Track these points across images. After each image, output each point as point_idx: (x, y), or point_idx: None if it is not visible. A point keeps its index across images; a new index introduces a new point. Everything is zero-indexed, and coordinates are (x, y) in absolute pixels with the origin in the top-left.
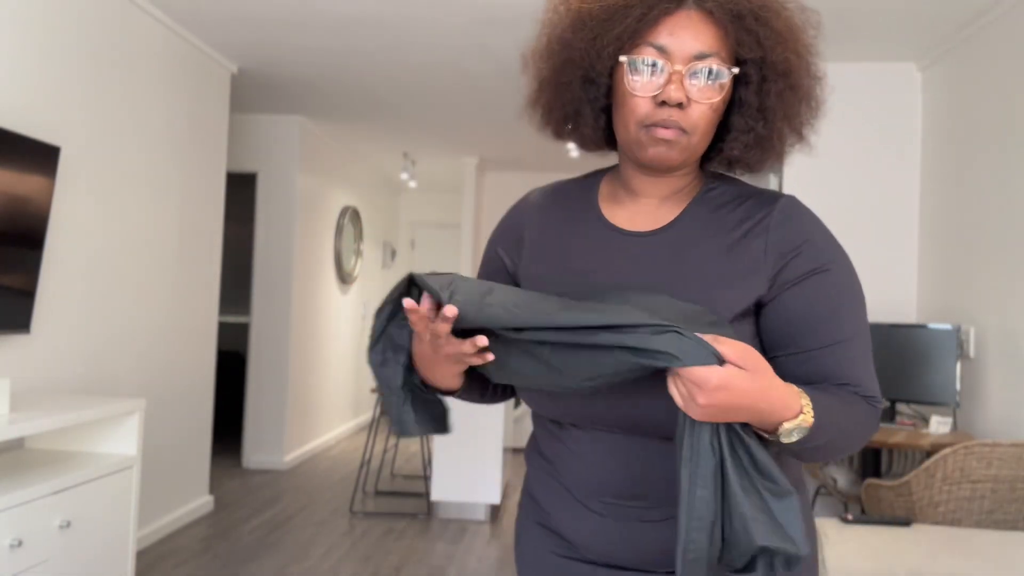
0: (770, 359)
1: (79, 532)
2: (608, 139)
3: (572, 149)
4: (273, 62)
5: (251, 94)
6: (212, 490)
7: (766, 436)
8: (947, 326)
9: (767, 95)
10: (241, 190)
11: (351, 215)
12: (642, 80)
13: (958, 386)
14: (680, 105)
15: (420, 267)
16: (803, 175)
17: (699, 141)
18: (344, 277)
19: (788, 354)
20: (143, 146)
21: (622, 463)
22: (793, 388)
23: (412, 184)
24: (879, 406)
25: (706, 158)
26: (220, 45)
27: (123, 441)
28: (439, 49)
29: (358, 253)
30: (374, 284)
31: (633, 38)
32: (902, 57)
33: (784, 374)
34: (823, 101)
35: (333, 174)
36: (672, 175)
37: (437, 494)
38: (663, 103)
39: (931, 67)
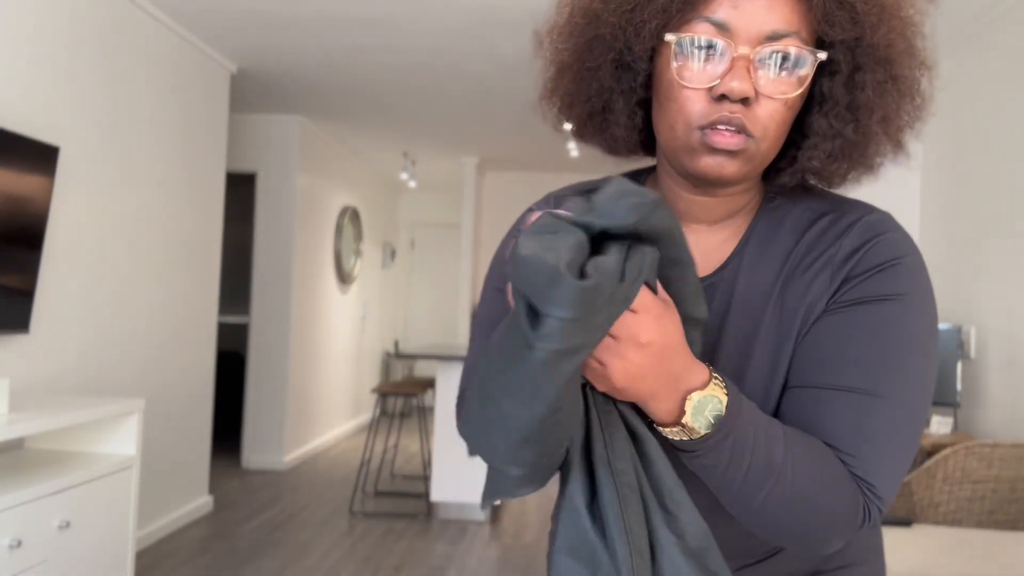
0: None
1: (78, 532)
2: (645, 142)
3: (573, 149)
4: (273, 62)
5: (251, 94)
6: (212, 490)
7: (662, 430)
8: (948, 326)
9: (861, 89)
10: (241, 190)
11: (351, 215)
12: (695, 67)
13: (959, 386)
14: (745, 101)
15: (419, 267)
16: None
17: (769, 148)
18: (344, 277)
19: (792, 387)
20: (142, 146)
21: None
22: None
23: (412, 184)
24: (873, 505)
25: (773, 167)
26: (220, 45)
27: (122, 441)
28: (439, 49)
29: (358, 253)
30: (374, 284)
31: (683, 11)
32: None
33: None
34: (931, 98)
35: (333, 174)
36: (730, 192)
37: (437, 494)
38: (723, 97)
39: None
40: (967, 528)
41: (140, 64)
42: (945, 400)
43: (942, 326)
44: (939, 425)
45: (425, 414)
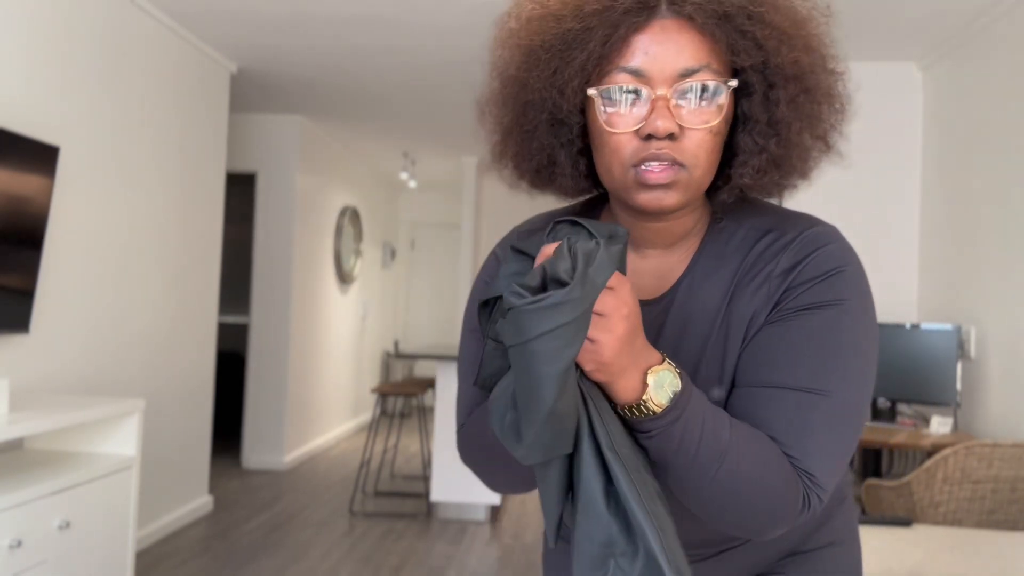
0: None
1: (78, 532)
2: (596, 182)
3: None
4: (273, 62)
5: (251, 94)
6: (212, 490)
7: (623, 412)
8: (948, 326)
9: (777, 105)
10: (241, 190)
11: (351, 215)
12: (620, 113)
13: (959, 386)
14: (671, 136)
15: (419, 267)
16: None
17: (702, 174)
18: (344, 277)
19: (739, 387)
20: (143, 146)
21: None
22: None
23: (412, 184)
24: (812, 492)
25: (714, 187)
26: (220, 45)
27: (122, 441)
28: (439, 49)
29: (358, 253)
30: (374, 284)
31: (600, 64)
32: (902, 57)
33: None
34: (848, 99)
35: (333, 174)
36: (674, 219)
37: (437, 494)
38: (650, 136)
39: (931, 67)
40: (967, 528)
41: (140, 64)
42: (945, 400)
43: (942, 326)
44: (939, 425)
45: (425, 414)
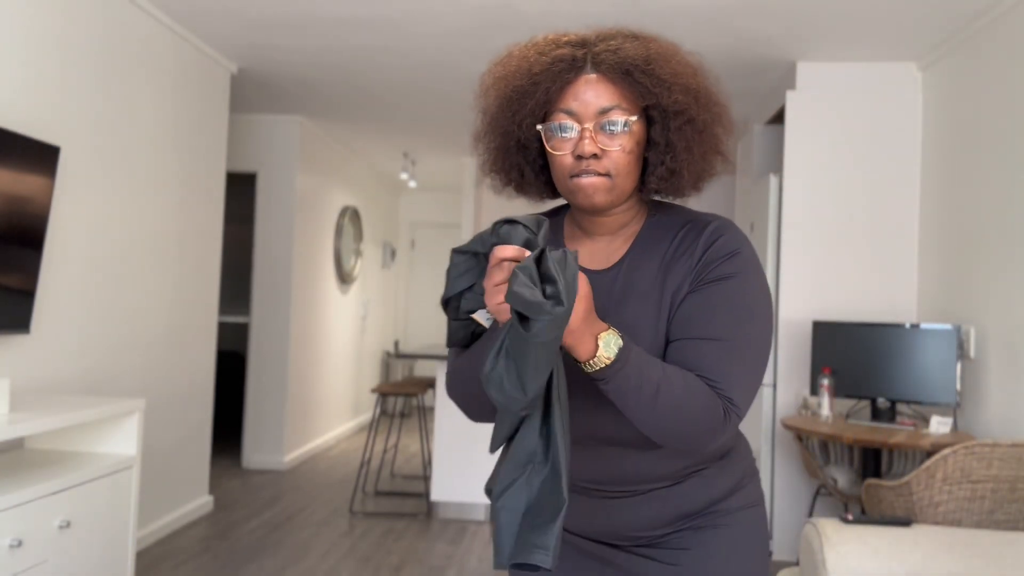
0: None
1: (79, 532)
2: (554, 190)
3: None
4: (273, 62)
5: (251, 94)
6: (212, 490)
7: (583, 366)
8: (947, 326)
9: (669, 132)
10: (241, 190)
11: (351, 215)
12: (560, 140)
13: (958, 386)
14: (595, 156)
15: (419, 267)
16: (803, 174)
17: (623, 181)
18: (344, 277)
19: (672, 340)
20: (143, 146)
21: (593, 460)
22: None
23: (412, 184)
24: (732, 410)
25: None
26: (220, 45)
27: (123, 441)
28: (439, 49)
29: (358, 253)
30: (374, 284)
31: (546, 107)
32: (902, 57)
33: None
34: (727, 126)
35: (333, 174)
36: (612, 214)
37: (437, 494)
38: (580, 156)
39: (931, 67)
40: (966, 528)
41: (140, 64)
42: (944, 400)
43: (942, 326)
44: (938, 425)
45: (425, 414)
